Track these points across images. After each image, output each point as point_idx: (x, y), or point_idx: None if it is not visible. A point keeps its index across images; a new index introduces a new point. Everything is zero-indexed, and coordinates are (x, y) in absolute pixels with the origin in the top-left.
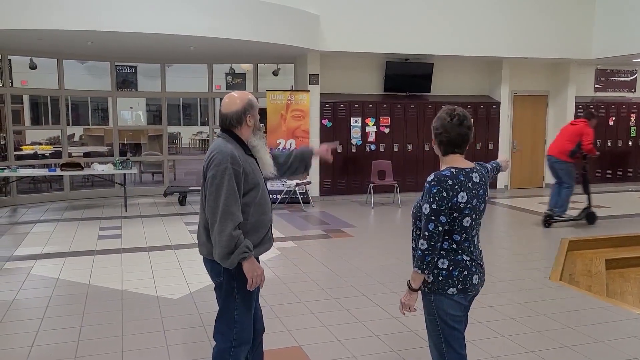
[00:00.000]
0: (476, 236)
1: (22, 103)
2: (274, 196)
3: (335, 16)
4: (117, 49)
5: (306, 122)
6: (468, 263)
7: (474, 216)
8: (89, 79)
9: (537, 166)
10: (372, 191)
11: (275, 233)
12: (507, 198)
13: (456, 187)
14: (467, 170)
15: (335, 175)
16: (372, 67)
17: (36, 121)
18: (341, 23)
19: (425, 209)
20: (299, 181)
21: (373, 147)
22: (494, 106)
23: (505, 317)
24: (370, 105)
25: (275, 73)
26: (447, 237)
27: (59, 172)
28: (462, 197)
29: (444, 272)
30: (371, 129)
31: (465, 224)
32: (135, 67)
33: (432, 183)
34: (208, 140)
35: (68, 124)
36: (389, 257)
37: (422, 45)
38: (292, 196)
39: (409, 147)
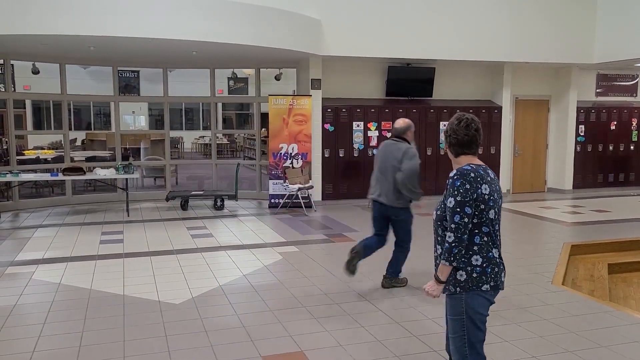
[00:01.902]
0: (499, 233)
1: (25, 108)
2: (276, 200)
3: (337, 21)
4: (119, 54)
5: (308, 126)
6: (497, 260)
7: (496, 210)
8: (91, 84)
9: (539, 170)
10: None
11: (277, 237)
12: (509, 202)
13: (478, 179)
14: (483, 167)
15: (337, 180)
16: (374, 72)
17: (38, 126)
18: (343, 28)
19: (450, 202)
20: (301, 185)
21: (375, 151)
22: (496, 110)
23: (507, 321)
24: (372, 110)
25: (277, 78)
26: (476, 231)
27: (61, 176)
28: (485, 188)
29: (477, 268)
30: (373, 134)
31: (490, 216)
32: (138, 71)
33: (455, 177)
34: (210, 144)
35: (70, 129)
36: None
37: (424, 49)
38: (294, 200)
39: None
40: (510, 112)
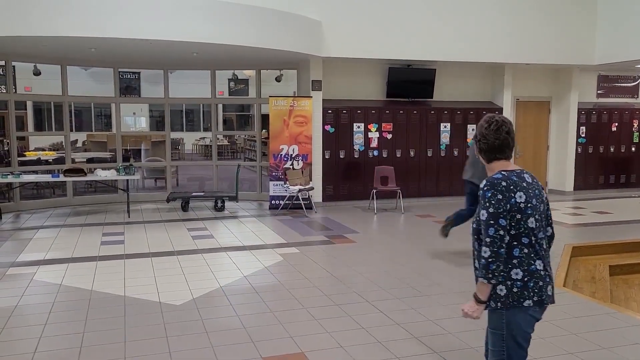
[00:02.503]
0: (544, 242)
1: (26, 109)
2: (277, 202)
3: (337, 22)
4: (120, 55)
5: (309, 127)
6: (542, 273)
7: (537, 217)
8: (92, 85)
9: (540, 172)
10: (374, 197)
11: (278, 239)
12: None
13: (511, 187)
14: (517, 171)
15: (337, 181)
16: (375, 73)
17: (39, 127)
18: (343, 29)
19: (483, 215)
20: (302, 187)
21: (376, 152)
22: (497, 112)
23: None
24: (373, 111)
25: (278, 79)
26: (515, 243)
27: (62, 178)
28: (520, 196)
29: (518, 283)
30: (374, 135)
31: (530, 225)
32: (139, 73)
33: (485, 188)
34: (210, 146)
35: (71, 130)
36: (392, 263)
37: (425, 51)
38: (295, 202)
39: (412, 153)
40: (511, 114)
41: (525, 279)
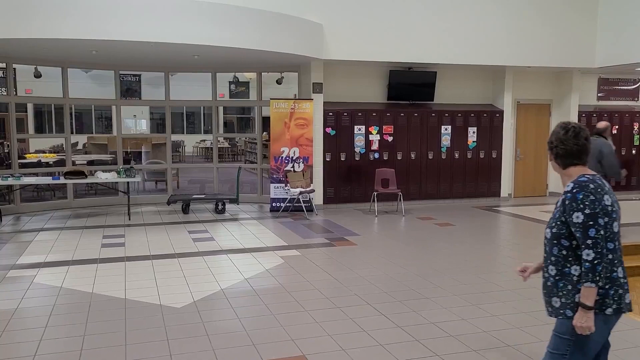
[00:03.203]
0: (621, 247)
1: (26, 111)
2: (278, 204)
3: (338, 25)
4: (121, 58)
5: (310, 130)
6: (622, 280)
7: (619, 221)
8: (93, 88)
9: (541, 175)
10: (375, 199)
11: (279, 241)
12: (510, 206)
13: (599, 190)
14: (598, 177)
15: (338, 184)
16: (376, 76)
17: (40, 129)
18: (344, 32)
19: (578, 217)
20: (303, 189)
21: (377, 155)
22: (497, 114)
23: (510, 326)
24: (374, 114)
25: (279, 81)
26: None
27: (62, 180)
28: (607, 199)
29: (600, 290)
30: (374, 137)
31: (615, 229)
32: (139, 75)
33: (575, 190)
34: (211, 148)
35: (72, 132)
36: (393, 265)
37: (425, 54)
38: (296, 204)
39: (413, 156)
40: (511, 116)
41: (607, 287)
